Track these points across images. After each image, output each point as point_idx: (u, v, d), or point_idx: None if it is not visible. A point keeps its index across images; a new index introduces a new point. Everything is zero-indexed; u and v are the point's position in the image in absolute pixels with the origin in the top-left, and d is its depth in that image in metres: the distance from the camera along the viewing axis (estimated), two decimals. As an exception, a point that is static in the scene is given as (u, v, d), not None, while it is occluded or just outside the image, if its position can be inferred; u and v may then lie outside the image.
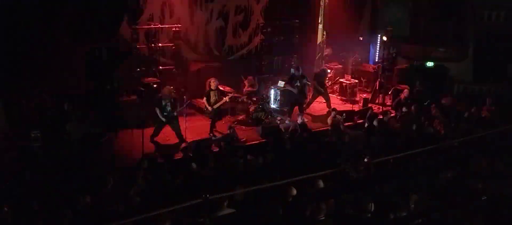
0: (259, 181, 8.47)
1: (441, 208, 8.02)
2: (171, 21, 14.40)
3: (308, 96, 15.18)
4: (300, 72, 13.97)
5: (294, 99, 14.00)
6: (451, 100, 14.23)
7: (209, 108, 12.64)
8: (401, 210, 7.36)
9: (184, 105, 12.11)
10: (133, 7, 13.72)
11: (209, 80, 12.77)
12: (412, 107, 13.24)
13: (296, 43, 16.39)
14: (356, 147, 10.79)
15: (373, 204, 7.20)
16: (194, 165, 9.40)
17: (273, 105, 14.47)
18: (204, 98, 12.71)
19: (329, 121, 12.96)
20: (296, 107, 14.01)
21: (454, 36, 17.02)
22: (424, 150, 9.81)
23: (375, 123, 12.14)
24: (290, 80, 14.02)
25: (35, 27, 11.95)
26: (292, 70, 13.97)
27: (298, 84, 13.72)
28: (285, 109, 14.31)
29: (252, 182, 8.45)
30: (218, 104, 12.67)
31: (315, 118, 14.55)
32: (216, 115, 12.82)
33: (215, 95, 12.65)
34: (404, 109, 13.49)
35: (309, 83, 14.33)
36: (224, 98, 12.76)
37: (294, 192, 7.78)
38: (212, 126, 12.71)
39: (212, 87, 12.64)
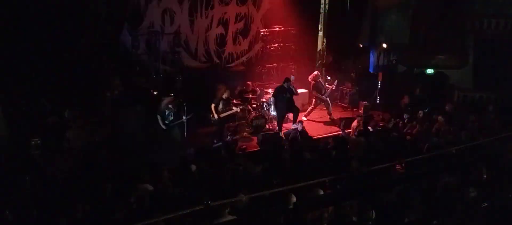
0: (260, 188, 8.47)
1: (441, 215, 8.00)
2: (171, 28, 14.43)
3: (308, 103, 15.24)
4: (290, 84, 13.80)
5: (284, 110, 13.89)
6: (452, 107, 14.22)
7: (216, 116, 12.63)
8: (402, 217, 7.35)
9: (189, 116, 12.07)
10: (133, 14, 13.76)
11: (221, 87, 12.78)
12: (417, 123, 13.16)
13: (296, 50, 16.44)
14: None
15: (374, 211, 7.19)
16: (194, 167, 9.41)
17: (273, 113, 14.46)
18: (213, 105, 12.67)
19: (353, 125, 12.84)
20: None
21: (454, 43, 17.04)
22: (424, 157, 9.81)
23: (370, 128, 12.19)
24: (278, 93, 13.81)
25: (36, 33, 11.98)
26: (285, 84, 13.77)
27: (287, 95, 13.59)
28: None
29: (253, 189, 8.44)
30: (226, 114, 12.67)
31: (315, 125, 14.55)
32: (221, 123, 12.82)
33: (224, 105, 12.67)
34: (405, 116, 13.50)
35: (297, 92, 14.21)
36: (234, 108, 12.77)
37: (294, 199, 7.77)
38: (217, 133, 12.72)
39: (223, 96, 12.65)
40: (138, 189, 8.98)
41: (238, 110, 12.94)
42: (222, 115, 12.61)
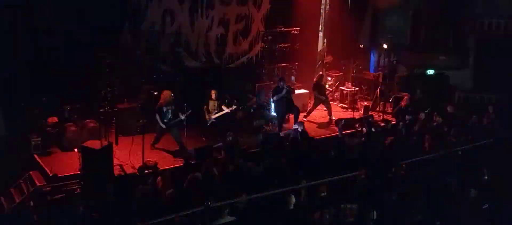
0: (260, 188, 8.46)
1: (442, 216, 8.00)
2: (172, 28, 14.41)
3: (309, 104, 15.25)
4: (285, 84, 13.77)
5: (284, 110, 13.88)
6: (453, 108, 14.21)
7: (207, 117, 12.81)
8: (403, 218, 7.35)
9: (187, 113, 12.09)
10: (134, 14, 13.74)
11: (210, 91, 12.96)
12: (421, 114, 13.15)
13: (296, 51, 16.44)
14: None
15: (375, 212, 7.19)
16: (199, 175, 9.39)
17: (273, 113, 14.45)
18: (204, 106, 12.85)
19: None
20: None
21: (454, 44, 17.03)
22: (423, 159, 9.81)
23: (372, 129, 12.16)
24: (275, 93, 13.73)
25: (34, 33, 11.96)
26: (280, 83, 13.78)
27: (284, 95, 13.58)
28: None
29: (253, 190, 8.43)
30: (217, 115, 12.78)
31: (315, 126, 14.54)
32: (217, 124, 12.87)
33: (214, 106, 12.82)
34: (407, 117, 13.49)
35: (293, 89, 14.20)
36: (224, 108, 12.86)
37: (293, 200, 7.78)
38: (222, 134, 12.75)
39: (212, 97, 12.86)
40: (139, 190, 9.00)
41: (228, 111, 12.97)
42: (214, 116, 12.78)
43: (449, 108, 13.73)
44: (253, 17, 16.00)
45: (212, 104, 12.87)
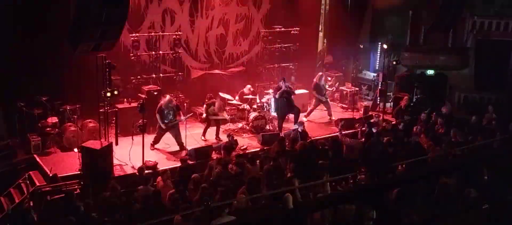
0: (260, 188, 8.46)
1: (441, 216, 7.99)
2: (172, 28, 14.42)
3: (309, 104, 15.26)
4: (286, 84, 13.80)
5: (284, 110, 13.89)
6: (451, 108, 14.21)
7: (204, 114, 12.98)
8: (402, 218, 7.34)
9: (188, 116, 12.23)
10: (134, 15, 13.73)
11: (215, 98, 13.22)
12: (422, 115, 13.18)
13: (296, 51, 16.45)
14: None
15: (374, 212, 7.17)
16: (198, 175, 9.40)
17: (273, 113, 14.46)
18: (204, 106, 12.91)
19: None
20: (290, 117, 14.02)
21: (454, 44, 17.02)
22: (423, 159, 9.79)
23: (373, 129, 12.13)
24: (276, 93, 13.78)
25: (35, 33, 11.96)
26: (280, 83, 13.82)
27: (285, 95, 13.59)
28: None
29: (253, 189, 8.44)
30: (216, 118, 12.92)
31: (315, 126, 14.55)
32: (211, 123, 13.02)
33: (214, 110, 12.97)
34: (406, 117, 13.49)
35: (294, 91, 14.26)
36: (226, 116, 13.09)
37: (292, 199, 7.78)
38: (205, 131, 12.98)
39: (214, 103, 13.01)
40: (140, 191, 9.01)
41: (228, 118, 13.26)
42: (212, 117, 12.90)
43: (444, 109, 13.71)
44: (253, 17, 16.02)
45: (211, 109, 12.92)
